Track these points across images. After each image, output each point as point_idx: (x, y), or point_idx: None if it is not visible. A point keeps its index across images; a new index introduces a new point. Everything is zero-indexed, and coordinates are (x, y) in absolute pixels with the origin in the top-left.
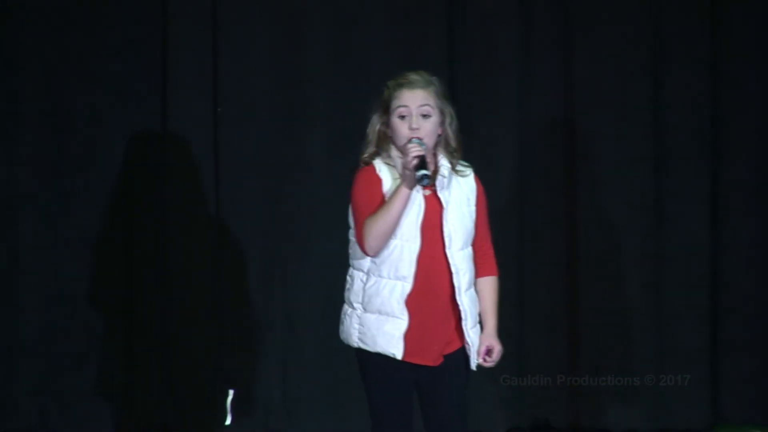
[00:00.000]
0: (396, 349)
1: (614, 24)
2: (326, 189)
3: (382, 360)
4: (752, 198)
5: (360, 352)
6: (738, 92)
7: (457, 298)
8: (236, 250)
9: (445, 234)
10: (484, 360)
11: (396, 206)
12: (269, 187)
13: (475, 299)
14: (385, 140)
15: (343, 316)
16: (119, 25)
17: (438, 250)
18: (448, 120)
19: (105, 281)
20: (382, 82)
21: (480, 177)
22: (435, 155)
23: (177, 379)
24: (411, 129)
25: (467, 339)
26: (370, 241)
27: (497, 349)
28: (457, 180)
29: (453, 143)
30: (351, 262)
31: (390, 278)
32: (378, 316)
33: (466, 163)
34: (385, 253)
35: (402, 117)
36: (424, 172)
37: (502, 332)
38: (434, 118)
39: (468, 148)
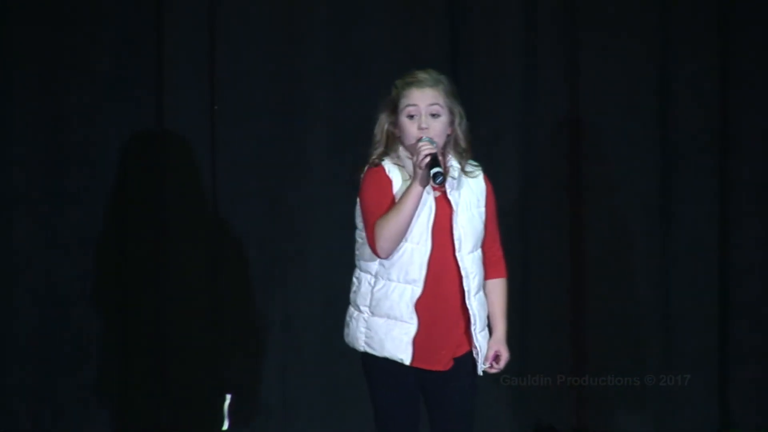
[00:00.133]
0: (404, 355)
1: (620, 21)
2: (326, 189)
3: (390, 365)
4: (762, 197)
5: (366, 356)
6: (747, 90)
7: (467, 301)
8: (234, 251)
9: (455, 237)
10: (491, 366)
11: (408, 206)
12: (268, 187)
13: (483, 302)
14: (394, 140)
15: (348, 318)
16: (114, 23)
17: (448, 252)
18: (457, 119)
19: (101, 283)
20: (383, 80)
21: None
22: (444, 156)
23: (173, 382)
24: (420, 129)
25: (475, 343)
26: (382, 242)
27: (505, 356)
28: (466, 181)
29: (462, 143)
30: (358, 263)
31: (399, 281)
32: (386, 321)
33: (475, 163)
34: (395, 255)
35: (411, 116)
36: (437, 169)
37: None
38: (444, 118)
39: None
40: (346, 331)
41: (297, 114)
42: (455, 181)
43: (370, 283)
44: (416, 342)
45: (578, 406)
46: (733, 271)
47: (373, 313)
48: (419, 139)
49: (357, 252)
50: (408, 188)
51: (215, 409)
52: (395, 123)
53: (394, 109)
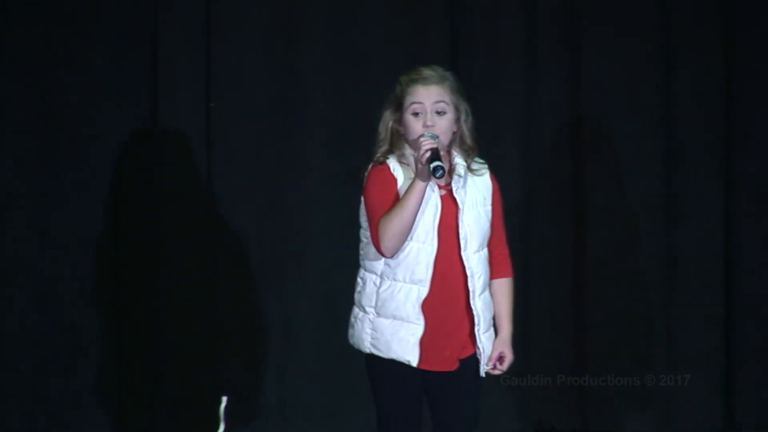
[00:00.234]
0: (412, 356)
1: (621, 20)
2: (325, 189)
3: (396, 366)
4: (766, 197)
5: (371, 357)
6: (752, 87)
7: (471, 302)
8: (232, 251)
9: (461, 236)
10: (494, 367)
11: (412, 202)
12: (266, 186)
13: (488, 303)
14: (398, 138)
15: (353, 319)
16: (110, 21)
17: (453, 252)
18: (463, 117)
19: (97, 283)
20: (383, 80)
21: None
22: (450, 153)
23: (170, 384)
24: (425, 126)
25: (479, 345)
26: (386, 241)
27: (509, 357)
28: (473, 179)
29: (469, 141)
30: (362, 263)
31: (405, 282)
32: (392, 321)
33: (482, 161)
34: (401, 255)
35: (416, 114)
36: (437, 163)
37: None
38: (449, 115)
39: None
40: (350, 332)
41: (296, 113)
42: (461, 179)
43: (375, 284)
44: (423, 343)
45: (579, 406)
46: (737, 270)
47: (378, 314)
48: (422, 135)
49: (362, 252)
50: (411, 184)
51: (212, 411)
52: (400, 120)
53: (399, 107)
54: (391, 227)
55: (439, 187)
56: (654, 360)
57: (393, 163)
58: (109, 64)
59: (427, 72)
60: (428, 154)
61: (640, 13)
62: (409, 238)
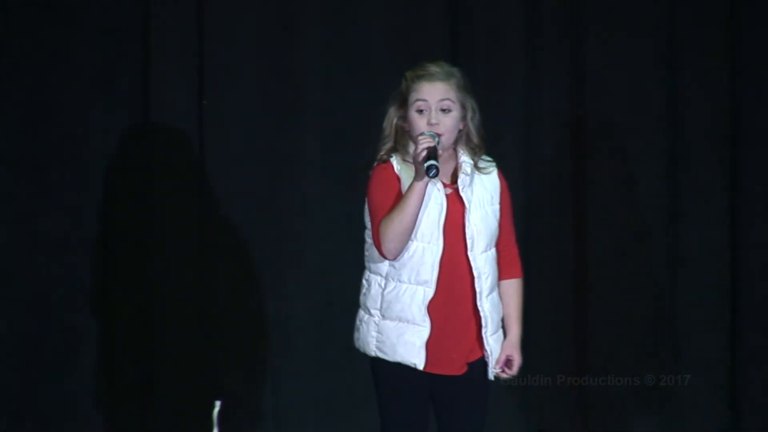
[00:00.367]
0: (417, 359)
1: (625, 16)
2: (323, 188)
3: (402, 370)
4: None
5: (377, 361)
6: (759, 85)
7: (478, 303)
8: (226, 252)
9: (468, 235)
10: (503, 371)
11: (411, 203)
12: (261, 186)
13: (497, 304)
14: (403, 135)
15: (358, 322)
16: (99, 15)
17: (460, 252)
18: (469, 114)
19: (86, 285)
20: (381, 77)
21: None
22: (456, 152)
23: (162, 389)
24: (429, 125)
25: (486, 347)
26: (388, 243)
27: (517, 360)
28: (480, 177)
29: (475, 139)
30: (367, 264)
31: (411, 283)
32: (398, 324)
33: (489, 159)
34: (406, 256)
35: (420, 111)
36: (431, 162)
37: None
38: (455, 113)
39: None
40: (356, 335)
41: (292, 111)
42: (468, 178)
43: (380, 285)
44: (429, 346)
45: (580, 406)
46: (743, 271)
47: (384, 317)
48: (421, 134)
49: (366, 253)
50: (410, 185)
51: (206, 416)
52: (405, 117)
53: (404, 103)
54: (392, 229)
55: (445, 186)
56: (656, 361)
57: (396, 162)
58: (99, 61)
59: (432, 68)
60: (424, 153)
61: (643, 10)
62: (413, 238)
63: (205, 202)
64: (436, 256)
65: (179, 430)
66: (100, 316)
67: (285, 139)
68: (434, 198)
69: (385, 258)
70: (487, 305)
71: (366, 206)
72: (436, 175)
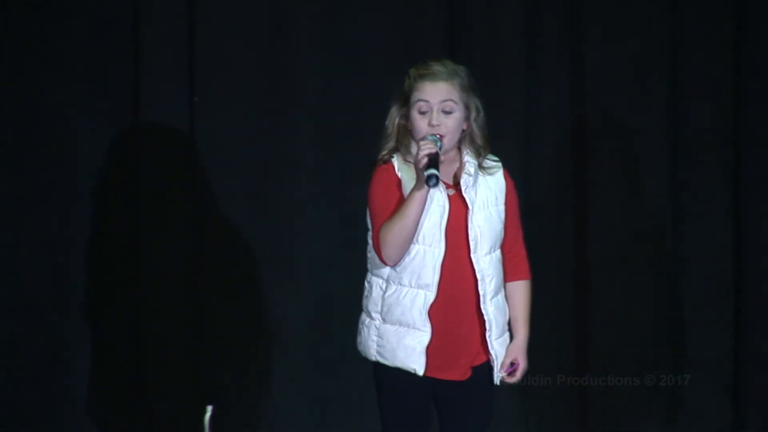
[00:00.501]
0: (417, 365)
1: (626, 11)
2: (315, 188)
3: (402, 375)
4: None
5: (377, 366)
6: (762, 82)
7: (482, 306)
8: (217, 254)
9: (471, 237)
10: (509, 374)
11: (411, 211)
12: (252, 185)
13: (501, 307)
14: (406, 134)
15: (360, 325)
16: (87, 8)
17: (462, 254)
18: (473, 114)
19: (74, 285)
20: (375, 73)
21: None
22: (460, 152)
23: (152, 393)
24: (430, 126)
25: (491, 351)
26: (387, 250)
27: (521, 365)
28: (485, 178)
29: (479, 140)
30: (369, 266)
31: (411, 286)
32: (398, 328)
33: (495, 158)
34: (407, 259)
35: (422, 112)
36: (431, 171)
37: None
38: (457, 114)
39: None
40: (358, 339)
41: (284, 108)
42: (471, 179)
43: (381, 288)
44: (430, 350)
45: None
46: (747, 271)
47: (384, 320)
48: (423, 138)
49: (369, 255)
50: (410, 192)
51: (197, 421)
52: (407, 116)
53: (406, 101)
54: (392, 236)
55: (448, 187)
56: (657, 361)
57: (398, 162)
58: (88, 58)
59: (436, 67)
60: (425, 160)
61: (644, 9)
62: (414, 240)
63: (197, 202)
64: (438, 259)
65: None
66: (89, 318)
67: (278, 138)
68: (436, 200)
69: (385, 264)
70: (491, 308)
71: (367, 208)
72: (436, 185)
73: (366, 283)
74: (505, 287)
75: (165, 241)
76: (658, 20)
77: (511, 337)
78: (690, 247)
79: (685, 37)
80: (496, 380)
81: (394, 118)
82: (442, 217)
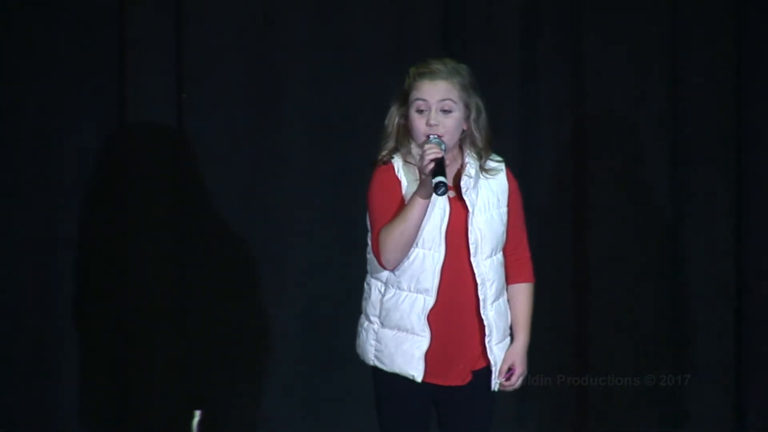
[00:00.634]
0: (416, 371)
1: (627, 7)
2: (306, 186)
3: (401, 381)
4: None
5: (376, 370)
6: (764, 80)
7: (481, 311)
8: (205, 254)
9: (471, 241)
10: (507, 379)
11: (412, 217)
12: (242, 184)
13: (503, 311)
14: (406, 134)
15: (359, 328)
16: (73, 3)
17: (463, 258)
18: (473, 114)
19: (58, 286)
20: (367, 69)
21: None
22: (462, 152)
23: (137, 398)
24: (428, 125)
25: (490, 357)
26: (387, 254)
27: (518, 370)
28: (486, 179)
29: (479, 142)
30: (368, 268)
31: (411, 291)
32: (396, 333)
33: (499, 158)
34: (406, 263)
35: (420, 111)
36: (440, 179)
37: None
38: (457, 114)
39: None
40: (357, 341)
41: (274, 105)
42: (471, 180)
43: (380, 291)
44: (429, 356)
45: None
46: (748, 271)
47: (383, 325)
48: (426, 140)
49: (368, 256)
50: (412, 197)
51: (184, 426)
52: (407, 116)
53: (406, 101)
54: (392, 240)
55: (448, 189)
56: (657, 362)
57: (398, 163)
58: (74, 54)
59: (435, 65)
60: (431, 165)
61: (645, 6)
62: (414, 244)
63: (185, 201)
64: (438, 263)
65: None
66: (74, 320)
67: (268, 135)
68: (437, 202)
69: (384, 268)
70: (492, 313)
71: (367, 210)
72: (445, 193)
73: (365, 284)
74: (507, 290)
75: (153, 241)
76: (658, 19)
77: (512, 341)
78: (690, 246)
79: (685, 37)
80: (494, 386)
81: (393, 117)
82: (442, 220)
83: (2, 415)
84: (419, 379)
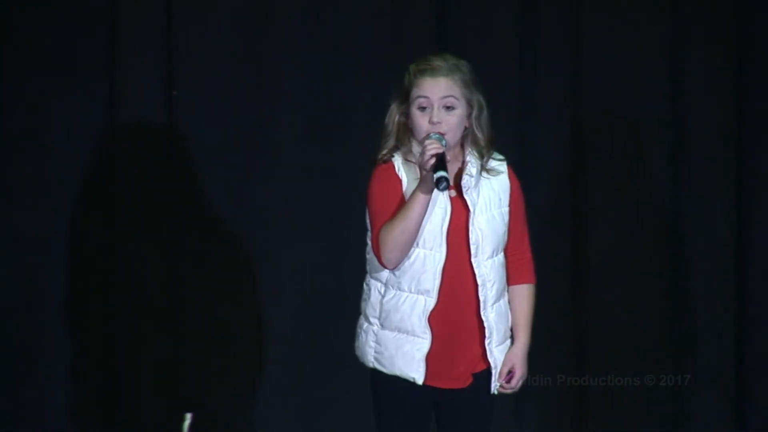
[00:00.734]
0: (417, 373)
1: (627, 9)
2: (300, 184)
3: (401, 382)
4: None
5: (375, 372)
6: (765, 79)
7: (482, 313)
8: (196, 253)
9: (472, 241)
10: (507, 381)
11: (413, 214)
12: (234, 183)
13: (503, 313)
14: (406, 133)
15: (358, 329)
16: (63, 1)
17: (463, 259)
18: (475, 112)
19: (47, 287)
20: (362, 66)
21: None
22: (463, 150)
23: (127, 401)
24: (431, 123)
25: (490, 359)
26: (387, 253)
27: (518, 373)
28: (488, 178)
29: (481, 141)
30: (368, 269)
31: (411, 292)
32: (397, 335)
33: (501, 157)
34: (406, 263)
35: (422, 108)
36: (441, 174)
37: None
38: (459, 111)
39: None
40: (356, 343)
41: (267, 102)
42: (472, 179)
43: (380, 292)
44: (430, 358)
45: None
46: (749, 271)
47: (382, 326)
48: (427, 136)
49: (368, 256)
50: (413, 194)
51: (174, 429)
52: (407, 114)
53: (406, 98)
54: (393, 239)
55: (449, 188)
56: (658, 362)
57: (398, 162)
58: (64, 50)
59: (436, 62)
60: (432, 161)
61: (645, 3)
62: (415, 244)
63: (177, 201)
64: (439, 264)
65: None
66: (65, 320)
67: (261, 133)
68: (438, 202)
69: (385, 267)
70: (492, 315)
71: (367, 209)
72: (446, 188)
73: (365, 285)
74: (508, 291)
75: (143, 241)
76: (658, 19)
77: (512, 343)
78: (691, 246)
79: (685, 35)
80: (494, 389)
81: (394, 115)
82: (443, 220)
83: None
84: (420, 381)
